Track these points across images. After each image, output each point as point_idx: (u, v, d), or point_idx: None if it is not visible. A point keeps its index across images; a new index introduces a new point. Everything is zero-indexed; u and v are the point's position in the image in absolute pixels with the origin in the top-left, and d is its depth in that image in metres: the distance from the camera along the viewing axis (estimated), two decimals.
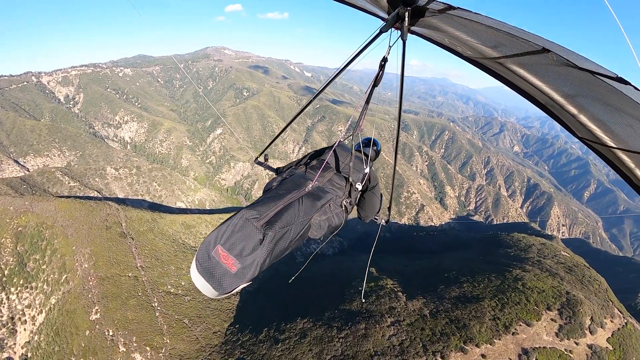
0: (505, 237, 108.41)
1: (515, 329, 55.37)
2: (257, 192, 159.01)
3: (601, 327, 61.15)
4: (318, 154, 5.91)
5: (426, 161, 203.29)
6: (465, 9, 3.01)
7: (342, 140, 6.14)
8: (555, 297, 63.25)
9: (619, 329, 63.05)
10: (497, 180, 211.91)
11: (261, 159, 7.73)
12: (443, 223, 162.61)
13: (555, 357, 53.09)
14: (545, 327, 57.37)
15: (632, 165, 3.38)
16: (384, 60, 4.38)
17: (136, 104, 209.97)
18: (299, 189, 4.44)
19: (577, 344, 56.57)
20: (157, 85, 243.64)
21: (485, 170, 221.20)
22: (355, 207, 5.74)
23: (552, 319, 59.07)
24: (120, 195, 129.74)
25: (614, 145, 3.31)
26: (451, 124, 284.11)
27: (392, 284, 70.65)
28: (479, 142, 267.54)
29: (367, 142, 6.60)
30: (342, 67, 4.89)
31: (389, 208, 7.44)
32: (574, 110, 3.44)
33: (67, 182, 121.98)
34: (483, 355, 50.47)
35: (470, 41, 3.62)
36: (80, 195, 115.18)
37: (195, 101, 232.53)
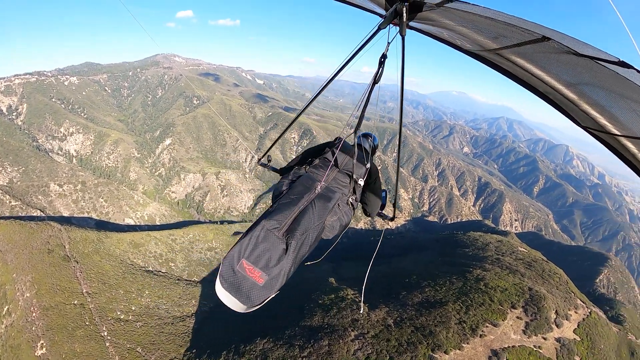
0: (461, 237, 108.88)
1: (483, 330, 54.00)
2: (209, 204, 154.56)
3: (566, 319, 60.96)
4: (318, 151, 5.84)
5: (379, 165, 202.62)
6: (463, 1, 3.01)
7: (341, 137, 5.74)
8: (518, 295, 62.63)
9: (583, 319, 63.25)
10: (449, 181, 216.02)
11: (264, 161, 7.76)
12: (399, 225, 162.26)
13: (525, 355, 52.02)
14: (511, 325, 56.32)
15: (637, 152, 3.40)
16: (383, 57, 4.31)
17: (82, 114, 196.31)
18: (310, 192, 4.49)
19: (545, 339, 56.00)
20: (104, 95, 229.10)
21: (437, 171, 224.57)
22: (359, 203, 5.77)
23: (517, 317, 58.21)
24: (65, 214, 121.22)
25: (618, 133, 3.34)
26: (402, 128, 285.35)
27: (353, 294, 68.32)
28: (430, 145, 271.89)
29: (365, 137, 6.43)
30: (342, 64, 4.86)
31: (394, 204, 7.63)
32: (576, 99, 3.45)
33: (8, 202, 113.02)
34: None
35: (469, 34, 3.69)
36: (22, 215, 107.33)
37: (144, 110, 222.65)
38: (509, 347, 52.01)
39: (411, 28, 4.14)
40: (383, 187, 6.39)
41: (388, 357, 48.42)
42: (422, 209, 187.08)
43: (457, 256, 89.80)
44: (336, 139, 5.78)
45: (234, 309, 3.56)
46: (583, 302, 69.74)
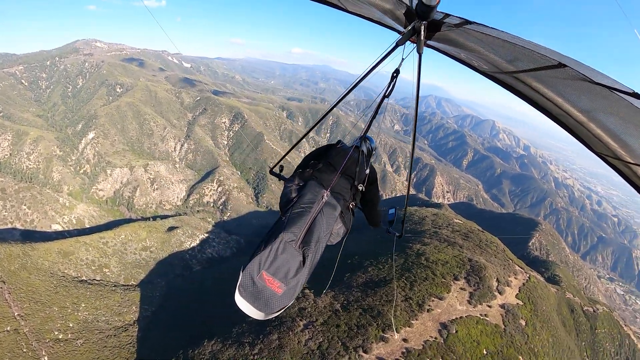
0: (398, 212, 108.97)
1: (429, 305, 54.51)
2: (139, 200, 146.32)
3: (508, 285, 63.07)
4: (319, 155, 5.73)
5: (313, 147, 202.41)
6: (481, 23, 3.21)
7: (342, 141, 5.95)
8: (459, 267, 64.06)
9: (523, 284, 65.72)
10: (382, 158, 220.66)
11: (277, 170, 7.49)
12: None
13: (473, 324, 53.10)
14: (456, 297, 57.43)
15: None
16: (397, 72, 4.51)
17: None
18: (318, 200, 4.50)
19: (490, 307, 57.53)
20: (20, 88, 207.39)
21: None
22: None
23: (461, 288, 59.46)
24: None
25: (631, 161, 3.37)
26: (334, 108, 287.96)
27: None
28: (362, 124, 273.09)
29: (363, 140, 6.31)
30: (358, 79, 4.89)
31: (403, 222, 7.61)
32: (590, 125, 3.51)
33: None
34: (405, 340, 48.57)
35: (486, 55, 3.75)
36: None
37: (64, 103, 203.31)
38: (456, 318, 52.84)
39: (428, 46, 4.18)
40: (393, 205, 6.50)
41: (340, 343, 47.72)
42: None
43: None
44: (338, 141, 5.80)
45: (252, 316, 3.69)
46: (521, 268, 72.61)
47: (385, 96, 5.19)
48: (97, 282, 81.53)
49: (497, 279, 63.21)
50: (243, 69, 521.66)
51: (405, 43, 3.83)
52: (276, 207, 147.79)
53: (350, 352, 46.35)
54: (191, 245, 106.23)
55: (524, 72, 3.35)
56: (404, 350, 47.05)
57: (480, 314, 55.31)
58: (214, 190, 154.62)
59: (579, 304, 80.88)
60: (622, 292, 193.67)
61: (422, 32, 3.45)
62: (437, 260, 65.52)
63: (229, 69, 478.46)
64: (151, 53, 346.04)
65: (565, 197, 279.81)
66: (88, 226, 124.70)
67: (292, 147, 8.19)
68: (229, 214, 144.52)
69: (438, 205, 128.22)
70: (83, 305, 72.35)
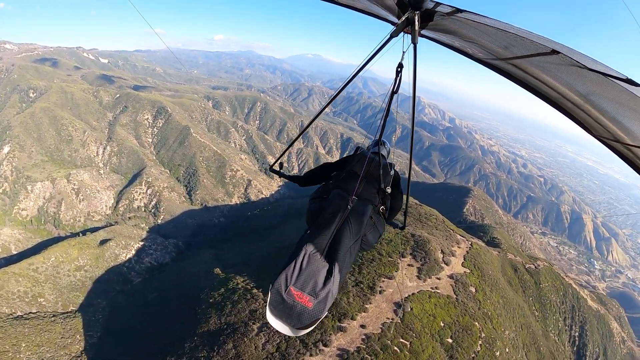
0: None
1: (380, 286, 54.31)
2: (66, 214, 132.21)
3: (453, 255, 64.44)
4: (339, 165, 5.83)
5: (243, 136, 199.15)
6: (472, 11, 3.19)
7: (361, 147, 6.04)
8: (403, 243, 64.46)
9: (467, 251, 67.23)
10: (313, 141, 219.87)
11: (276, 167, 7.39)
12: (273, 192, 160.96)
13: (426, 298, 53.68)
14: (405, 274, 57.60)
15: None
16: (400, 66, 4.49)
17: None
18: (343, 208, 4.49)
19: (439, 279, 58.34)
20: None
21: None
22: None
23: (409, 265, 59.95)
24: None
25: (631, 143, 3.39)
26: (262, 94, 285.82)
27: (243, 282, 64.22)
28: (291, 108, 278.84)
29: (381, 144, 6.45)
30: (355, 71, 4.88)
31: (405, 214, 7.47)
32: (588, 107, 3.54)
33: None
34: (362, 326, 48.11)
35: (480, 43, 3.80)
36: None
37: None
38: (409, 295, 53.00)
39: (423, 36, 4.19)
40: None
41: (298, 342, 46.38)
42: (292, 172, 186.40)
43: None
44: (357, 149, 5.89)
45: (287, 334, 3.76)
46: (462, 236, 74.46)
47: (393, 93, 5.19)
48: (34, 315, 74.32)
49: (442, 250, 64.27)
50: (164, 60, 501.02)
51: (401, 35, 3.85)
52: (211, 203, 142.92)
53: (310, 348, 45.20)
54: (127, 257, 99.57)
55: (519, 58, 3.37)
56: (364, 337, 46.55)
57: (432, 288, 56.03)
58: (143, 193, 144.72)
59: (521, 262, 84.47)
60: (555, 244, 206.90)
61: (416, 22, 3.47)
62: (381, 239, 65.47)
63: (149, 61, 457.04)
64: (65, 51, 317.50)
65: (492, 162, 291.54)
66: (15, 252, 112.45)
67: (290, 144, 8.66)
68: (162, 216, 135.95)
69: None
70: (24, 345, 65.43)
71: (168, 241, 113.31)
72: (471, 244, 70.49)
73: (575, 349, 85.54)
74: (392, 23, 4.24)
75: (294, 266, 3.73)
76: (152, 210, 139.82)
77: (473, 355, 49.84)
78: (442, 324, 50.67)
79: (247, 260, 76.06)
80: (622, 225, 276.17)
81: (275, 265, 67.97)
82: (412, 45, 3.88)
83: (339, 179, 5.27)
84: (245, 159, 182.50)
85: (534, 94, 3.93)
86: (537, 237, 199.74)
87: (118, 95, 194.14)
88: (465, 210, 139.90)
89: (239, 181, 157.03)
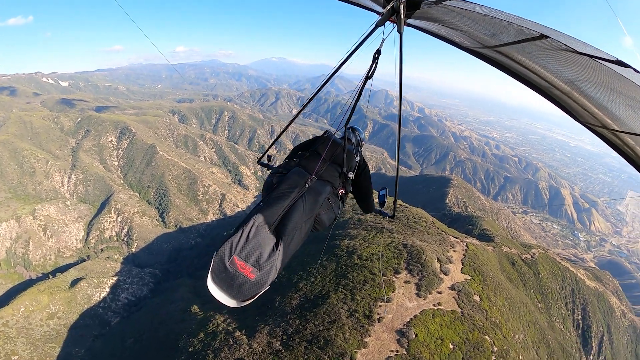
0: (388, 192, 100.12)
1: (378, 313, 47.95)
2: (35, 254, 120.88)
3: (450, 262, 59.65)
4: (307, 145, 5.83)
5: (213, 148, 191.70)
6: None
7: (330, 131, 6.05)
8: (396, 257, 58.67)
9: (464, 255, 62.29)
10: (285, 146, 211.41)
11: (265, 160, 7.59)
12: (250, 204, 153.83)
13: (430, 319, 47.76)
14: (403, 294, 51.64)
15: (636, 147, 3.43)
16: (378, 52, 4.45)
17: None
18: (300, 186, 4.48)
19: (440, 293, 52.93)
20: None
21: (273, 139, 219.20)
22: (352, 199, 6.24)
23: (406, 282, 54.01)
24: None
25: (617, 129, 3.38)
26: (228, 103, 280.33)
27: (224, 322, 57.33)
28: (260, 114, 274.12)
29: (352, 130, 6.44)
30: (338, 64, 4.85)
31: (395, 202, 7.63)
32: (575, 95, 3.52)
33: None
34: None
35: (467, 31, 3.74)
36: None
37: None
38: (411, 319, 47.03)
39: (409, 25, 4.12)
40: (383, 186, 6.46)
41: None
42: None
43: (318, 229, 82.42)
44: (325, 132, 5.93)
45: (225, 304, 3.62)
46: (456, 237, 69.32)
47: (367, 77, 4.96)
48: None
49: (438, 258, 58.56)
50: (127, 78, 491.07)
51: (385, 24, 3.78)
52: (186, 224, 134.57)
53: None
54: (101, 296, 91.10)
55: (507, 45, 3.35)
56: None
57: (434, 305, 50.08)
58: (113, 221, 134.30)
59: (517, 254, 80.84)
60: (538, 222, 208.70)
61: (402, 11, 3.43)
62: (371, 255, 58.92)
63: (112, 80, 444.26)
64: (23, 78, 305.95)
65: (466, 148, 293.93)
66: None
67: (276, 138, 8.69)
68: (136, 244, 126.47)
69: None
70: None
71: (144, 271, 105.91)
72: (467, 245, 65.14)
73: (580, 332, 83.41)
74: (377, 12, 4.11)
75: (241, 236, 3.61)
76: (125, 239, 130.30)
77: None
78: (451, 346, 44.90)
79: None
80: (600, 194, 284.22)
81: (258, 300, 61.12)
82: (397, 34, 3.81)
83: (302, 158, 5.21)
84: (217, 172, 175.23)
85: (522, 82, 3.88)
86: (520, 217, 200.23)
87: (79, 119, 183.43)
88: (447, 200, 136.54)
89: (212, 197, 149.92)
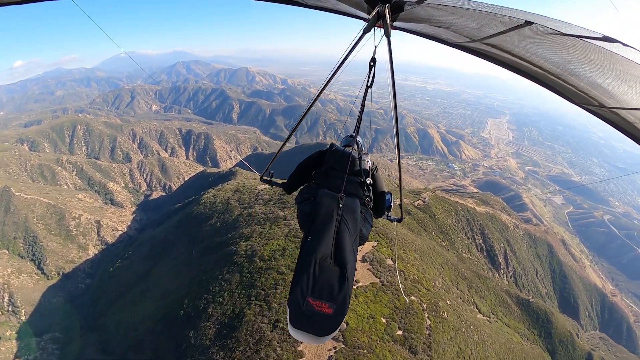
0: (197, 209, 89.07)
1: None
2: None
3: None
4: (315, 162, 5.80)
5: (73, 171, 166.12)
6: None
7: (335, 143, 6.02)
8: (297, 246, 51.77)
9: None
10: (152, 147, 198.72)
11: (267, 176, 7.59)
12: (129, 223, 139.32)
13: (353, 300, 43.85)
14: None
15: (635, 122, 3.44)
16: (373, 60, 4.55)
17: None
18: (336, 208, 4.38)
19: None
20: None
21: (136, 143, 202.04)
22: None
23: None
24: None
25: (613, 105, 3.41)
26: (80, 115, 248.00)
27: None
28: (117, 119, 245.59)
29: (352, 137, 6.28)
30: (331, 73, 4.82)
31: (400, 205, 8.05)
32: (567, 77, 3.54)
33: None
34: None
35: (453, 27, 3.77)
36: None
37: None
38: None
39: (395, 28, 4.18)
40: (387, 189, 6.16)
41: None
42: (142, 191, 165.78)
43: (208, 237, 73.41)
44: (331, 145, 5.80)
45: (312, 343, 3.72)
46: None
47: (368, 87, 5.13)
48: None
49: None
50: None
51: (373, 30, 3.79)
52: (68, 268, 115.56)
53: None
54: None
55: (494, 37, 3.36)
56: None
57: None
58: None
59: (410, 203, 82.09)
60: (414, 163, 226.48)
61: (387, 15, 3.42)
62: (273, 254, 53.79)
63: None
64: None
65: (334, 110, 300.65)
66: None
67: (278, 150, 7.97)
68: (24, 310, 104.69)
69: (231, 173, 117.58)
70: None
71: (44, 339, 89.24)
72: (377, 241, 62.70)
73: (485, 254, 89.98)
74: (364, 19, 4.18)
75: (307, 277, 3.62)
76: (9, 309, 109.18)
77: (428, 332, 44.19)
78: (384, 320, 42.87)
79: (135, 343, 60.14)
80: (463, 126, 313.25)
81: (167, 334, 54.20)
82: (383, 38, 3.81)
83: (321, 178, 5.18)
84: (85, 197, 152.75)
85: (514, 71, 3.91)
86: (399, 162, 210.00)
87: None
88: None
89: (86, 228, 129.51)
